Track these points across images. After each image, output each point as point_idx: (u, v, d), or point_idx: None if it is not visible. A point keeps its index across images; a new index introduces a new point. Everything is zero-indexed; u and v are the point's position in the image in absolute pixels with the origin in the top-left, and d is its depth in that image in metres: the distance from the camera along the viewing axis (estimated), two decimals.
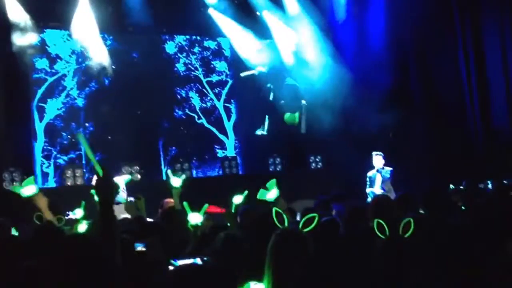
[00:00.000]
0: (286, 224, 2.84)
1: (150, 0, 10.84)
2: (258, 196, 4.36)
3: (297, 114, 11.18)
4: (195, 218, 4.10)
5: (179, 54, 12.41)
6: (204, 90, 12.59)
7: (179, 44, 12.45)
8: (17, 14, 9.95)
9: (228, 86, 12.84)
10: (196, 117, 12.43)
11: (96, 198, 2.55)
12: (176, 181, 4.83)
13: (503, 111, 11.57)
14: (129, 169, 10.21)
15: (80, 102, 11.15)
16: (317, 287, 2.82)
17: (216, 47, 12.82)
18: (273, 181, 4.39)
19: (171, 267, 3.29)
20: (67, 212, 5.16)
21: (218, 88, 12.76)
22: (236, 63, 12.49)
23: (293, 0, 12.04)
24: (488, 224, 3.50)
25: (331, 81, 11.30)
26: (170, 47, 12.34)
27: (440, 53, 12.12)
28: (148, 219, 5.25)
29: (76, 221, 4.72)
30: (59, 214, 4.48)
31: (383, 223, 2.89)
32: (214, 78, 12.75)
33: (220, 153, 12.53)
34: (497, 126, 11.62)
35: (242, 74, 12.16)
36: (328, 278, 2.98)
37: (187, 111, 12.33)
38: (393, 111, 10.67)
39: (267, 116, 12.19)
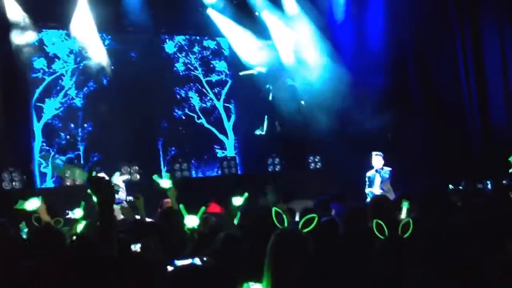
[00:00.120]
0: (285, 224, 2.83)
1: (149, 0, 10.84)
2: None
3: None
4: (191, 221, 4.06)
5: (178, 54, 12.40)
6: (203, 90, 12.58)
7: (179, 43, 12.44)
8: (15, 13, 9.94)
9: (227, 86, 12.84)
10: (196, 117, 12.42)
11: (94, 198, 2.55)
12: (165, 183, 4.78)
13: (502, 111, 11.58)
14: (128, 169, 10.20)
15: (78, 102, 11.12)
16: (317, 287, 2.82)
17: (216, 47, 12.81)
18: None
19: (170, 268, 3.29)
20: (67, 212, 5.16)
21: (217, 88, 12.75)
22: (236, 63, 12.49)
23: (292, 0, 12.05)
24: (487, 224, 3.50)
25: (330, 81, 11.31)
26: (170, 47, 12.33)
27: (439, 53, 12.14)
28: (148, 219, 5.25)
29: (76, 221, 4.72)
30: (57, 216, 4.49)
31: (382, 224, 2.89)
32: (214, 77, 12.75)
33: (219, 153, 12.53)
34: (496, 126, 11.63)
35: (241, 73, 12.18)
36: (328, 278, 2.98)
37: (186, 111, 12.33)
38: (391, 112, 10.68)
39: (266, 116, 12.19)
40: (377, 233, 2.89)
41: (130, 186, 9.19)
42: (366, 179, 8.74)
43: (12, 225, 4.74)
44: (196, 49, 12.61)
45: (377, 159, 8.72)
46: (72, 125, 11.00)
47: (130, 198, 7.90)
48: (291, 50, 12.24)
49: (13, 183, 9.16)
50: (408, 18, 12.01)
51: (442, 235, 3.15)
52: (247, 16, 11.93)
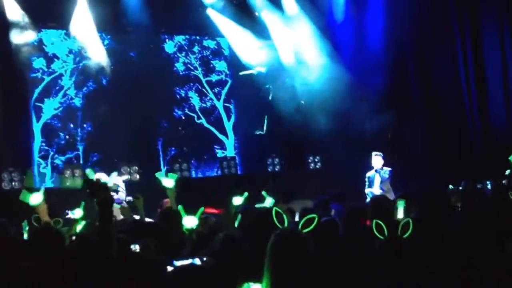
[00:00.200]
0: (285, 224, 2.83)
1: (148, 0, 10.83)
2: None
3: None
4: (190, 222, 4.04)
5: (178, 54, 12.39)
6: (203, 89, 12.57)
7: (178, 43, 12.43)
8: (14, 13, 9.94)
9: (227, 86, 12.84)
10: (196, 117, 12.42)
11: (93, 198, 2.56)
12: (169, 182, 4.78)
13: (502, 111, 11.59)
14: (128, 169, 10.19)
15: (77, 101, 11.11)
16: (317, 287, 2.81)
17: (216, 47, 12.81)
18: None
19: (169, 268, 3.28)
20: (67, 212, 5.16)
21: (217, 88, 12.74)
22: (236, 63, 12.49)
23: (291, 0, 12.04)
24: (487, 224, 3.50)
25: (329, 81, 11.31)
26: (169, 47, 12.33)
27: (439, 53, 12.14)
28: (147, 219, 5.25)
29: (75, 221, 4.72)
30: (56, 216, 4.48)
31: (382, 224, 2.89)
32: (214, 77, 12.74)
33: (219, 153, 12.52)
34: (496, 126, 11.64)
35: (241, 73, 12.18)
36: (328, 278, 2.97)
37: (186, 111, 12.32)
38: (391, 112, 10.68)
39: (266, 116, 12.19)
40: (376, 233, 2.89)
41: (129, 186, 9.16)
42: (366, 179, 8.75)
43: (13, 223, 4.74)
44: (196, 49, 12.60)
45: (377, 159, 8.72)
46: (72, 125, 10.99)
47: (130, 198, 7.89)
48: (291, 50, 12.24)
49: (13, 183, 9.14)
50: (407, 18, 12.01)
51: (442, 235, 3.15)
52: (247, 16, 11.93)
